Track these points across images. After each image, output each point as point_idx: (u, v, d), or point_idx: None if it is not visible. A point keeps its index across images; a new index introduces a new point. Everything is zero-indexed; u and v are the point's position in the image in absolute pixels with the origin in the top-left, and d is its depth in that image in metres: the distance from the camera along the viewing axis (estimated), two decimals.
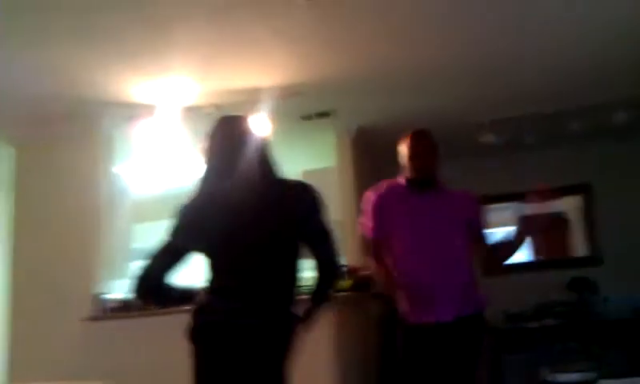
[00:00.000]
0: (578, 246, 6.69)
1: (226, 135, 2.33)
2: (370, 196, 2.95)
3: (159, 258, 2.28)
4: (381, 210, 2.89)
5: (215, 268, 2.23)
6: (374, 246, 2.93)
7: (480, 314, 2.81)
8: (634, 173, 6.30)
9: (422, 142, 2.89)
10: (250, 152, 2.24)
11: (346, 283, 4.23)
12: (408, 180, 2.90)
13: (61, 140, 4.64)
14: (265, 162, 2.27)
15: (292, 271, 2.18)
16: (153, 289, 2.31)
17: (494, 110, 5.31)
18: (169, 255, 2.28)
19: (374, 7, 3.44)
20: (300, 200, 2.21)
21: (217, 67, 4.02)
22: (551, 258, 6.64)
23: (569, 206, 6.86)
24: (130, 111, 4.52)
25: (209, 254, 2.24)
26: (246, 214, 2.11)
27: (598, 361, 4.70)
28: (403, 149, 2.91)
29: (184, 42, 3.61)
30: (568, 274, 5.99)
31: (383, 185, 2.97)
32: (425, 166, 2.85)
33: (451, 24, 3.71)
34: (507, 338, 5.81)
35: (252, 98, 4.32)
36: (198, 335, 2.18)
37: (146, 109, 4.45)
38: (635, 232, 6.11)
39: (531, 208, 2.82)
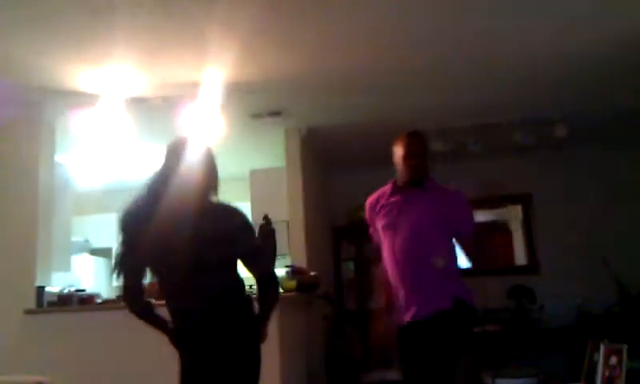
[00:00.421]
0: (518, 254, 6.89)
1: (171, 158, 2.38)
2: (366, 204, 3.10)
3: (129, 278, 2.43)
4: (372, 216, 3.03)
5: (165, 289, 2.40)
6: (377, 251, 3.04)
7: (458, 308, 2.80)
8: (571, 184, 6.54)
9: (417, 142, 2.98)
10: (190, 177, 2.32)
11: (290, 284, 4.23)
12: (394, 182, 3.01)
13: (1, 127, 4.47)
14: (203, 187, 2.35)
15: (233, 284, 2.35)
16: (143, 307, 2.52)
17: (441, 118, 5.41)
18: (131, 273, 2.41)
19: (326, 6, 3.44)
20: (229, 223, 2.32)
21: (162, 58, 3.93)
22: (493, 266, 6.80)
23: (509, 215, 7.07)
24: (74, 100, 4.39)
25: (156, 275, 2.41)
26: (181, 238, 2.21)
27: (537, 366, 4.85)
28: (398, 149, 2.98)
29: (128, 31, 3.51)
30: (509, 282, 6.15)
31: (377, 191, 3.09)
32: (418, 165, 2.94)
33: (401, 27, 3.74)
34: None
35: (199, 92, 4.25)
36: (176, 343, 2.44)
37: (90, 98, 4.33)
38: (570, 241, 6.34)
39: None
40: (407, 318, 2.81)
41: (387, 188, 3.04)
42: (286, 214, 5.31)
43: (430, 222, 2.86)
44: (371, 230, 3.09)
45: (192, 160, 2.34)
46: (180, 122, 4.63)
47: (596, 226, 6.35)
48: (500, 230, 7.18)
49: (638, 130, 6.03)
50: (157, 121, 4.91)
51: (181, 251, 2.19)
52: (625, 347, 3.65)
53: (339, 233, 6.70)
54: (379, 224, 2.98)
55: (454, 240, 2.95)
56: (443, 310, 2.75)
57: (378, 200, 3.03)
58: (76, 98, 4.37)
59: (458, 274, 2.94)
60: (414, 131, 3.05)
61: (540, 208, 6.66)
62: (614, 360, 3.67)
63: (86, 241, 6.61)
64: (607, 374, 3.69)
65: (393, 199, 2.97)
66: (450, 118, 5.40)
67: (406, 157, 2.93)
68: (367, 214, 3.08)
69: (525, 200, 6.78)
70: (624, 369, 3.59)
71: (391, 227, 2.91)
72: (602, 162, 6.48)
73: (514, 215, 6.98)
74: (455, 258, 2.95)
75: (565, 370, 4.68)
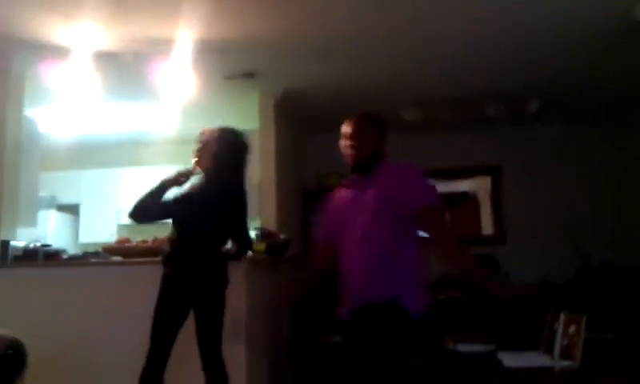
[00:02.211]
0: (485, 225, 7.02)
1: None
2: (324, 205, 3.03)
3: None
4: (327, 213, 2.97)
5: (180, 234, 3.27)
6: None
7: (396, 302, 2.61)
8: (540, 158, 6.66)
9: (355, 124, 2.83)
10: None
11: (260, 247, 4.24)
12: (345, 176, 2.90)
13: None
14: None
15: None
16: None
17: (415, 87, 5.42)
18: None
19: None
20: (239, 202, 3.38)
21: (135, 13, 3.83)
22: (459, 235, 6.91)
23: (478, 186, 7.17)
24: (44, 52, 4.28)
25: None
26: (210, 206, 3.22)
27: (497, 334, 4.96)
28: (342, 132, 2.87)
29: None
30: (475, 251, 6.25)
31: (334, 192, 3.01)
32: (353, 152, 2.78)
33: None
34: None
35: (171, 49, 4.18)
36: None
37: (61, 51, 4.22)
38: (537, 214, 6.50)
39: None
40: (345, 309, 2.75)
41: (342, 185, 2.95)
42: (257, 177, 5.30)
43: (376, 210, 2.66)
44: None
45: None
46: (151, 79, 4.56)
47: (562, 199, 6.49)
48: (468, 200, 7.29)
49: (608, 107, 6.15)
50: (128, 78, 4.83)
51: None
52: (584, 317, 3.76)
53: (309, 196, 6.71)
54: (330, 222, 2.92)
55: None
56: (384, 303, 2.59)
57: (331, 198, 2.96)
58: (47, 51, 4.26)
59: (413, 270, 2.72)
60: (363, 113, 2.88)
61: (509, 180, 6.77)
62: (573, 329, 3.78)
63: (53, 197, 6.52)
64: (566, 342, 3.81)
65: (342, 194, 2.88)
66: (425, 86, 5.40)
67: (343, 140, 2.82)
68: (326, 214, 2.99)
69: (494, 172, 6.88)
70: (582, 338, 3.71)
71: (340, 224, 2.80)
72: (571, 138, 6.60)
73: (482, 186, 7.08)
74: (411, 248, 2.73)
75: (525, 337, 4.81)
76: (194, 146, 3.42)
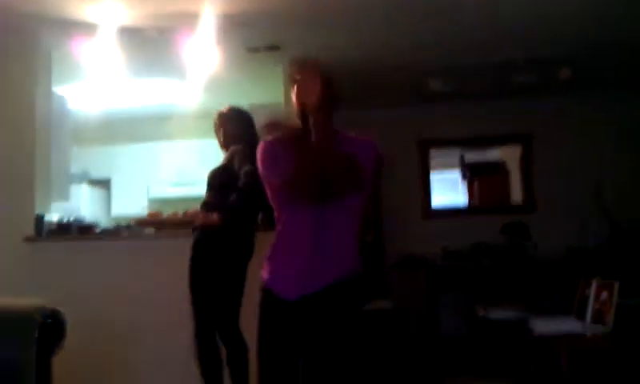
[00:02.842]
0: (515, 193, 6.95)
1: None
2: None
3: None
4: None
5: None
6: None
7: (346, 282, 2.14)
8: (572, 126, 6.55)
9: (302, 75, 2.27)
10: None
11: None
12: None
13: None
14: None
15: None
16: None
17: (443, 57, 5.33)
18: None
19: None
20: None
21: None
22: (488, 203, 6.88)
23: (508, 155, 7.09)
24: (71, 29, 4.31)
25: None
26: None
27: (529, 300, 4.94)
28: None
29: None
30: (504, 220, 6.22)
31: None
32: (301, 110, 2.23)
33: None
34: (444, 275, 6.04)
35: (195, 23, 4.17)
36: None
37: (88, 28, 4.25)
38: (567, 183, 6.40)
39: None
40: (299, 291, 2.10)
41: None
42: None
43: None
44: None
45: None
46: (176, 54, 4.58)
47: (593, 167, 6.38)
48: (498, 169, 7.21)
49: (631, 73, 6.00)
50: (153, 53, 4.85)
51: None
52: (616, 284, 3.72)
53: None
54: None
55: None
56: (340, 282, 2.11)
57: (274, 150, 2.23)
58: (73, 28, 4.29)
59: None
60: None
61: (539, 149, 6.67)
62: (604, 295, 3.75)
63: (85, 171, 6.63)
64: (597, 307, 3.78)
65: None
66: (452, 56, 5.31)
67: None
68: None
69: (524, 140, 6.77)
70: (614, 303, 3.68)
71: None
72: (603, 106, 6.45)
73: (512, 155, 7.00)
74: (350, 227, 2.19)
75: (556, 304, 4.78)
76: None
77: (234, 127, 3.56)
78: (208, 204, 3.45)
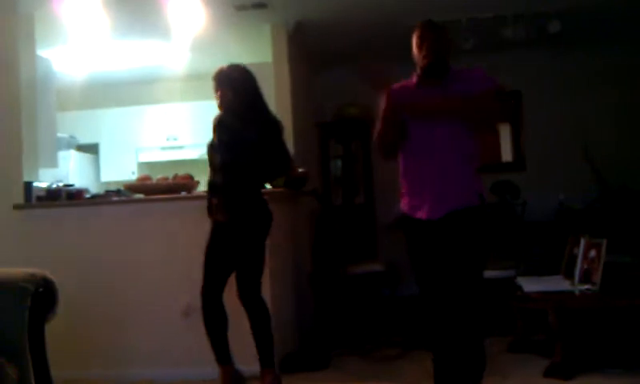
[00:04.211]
0: (505, 151, 6.94)
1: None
2: (383, 97, 2.78)
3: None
4: (396, 103, 2.74)
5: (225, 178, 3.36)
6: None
7: (475, 207, 2.72)
8: (562, 83, 6.52)
9: (430, 30, 2.80)
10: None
11: (278, 180, 4.25)
12: (418, 76, 2.83)
13: None
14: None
15: None
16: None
17: (432, 12, 5.25)
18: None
19: None
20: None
21: None
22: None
23: None
24: None
25: None
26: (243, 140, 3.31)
27: (518, 259, 4.99)
28: (413, 40, 2.83)
29: None
30: (493, 178, 6.24)
31: (396, 85, 2.81)
32: (431, 53, 2.75)
33: None
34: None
35: None
36: None
37: None
38: (557, 140, 6.41)
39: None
40: (434, 214, 2.67)
41: (412, 81, 2.85)
42: (274, 111, 5.25)
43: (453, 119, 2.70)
44: (386, 115, 2.75)
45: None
46: (161, 13, 4.49)
47: (583, 124, 6.38)
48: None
49: (632, 27, 5.96)
50: (138, 12, 4.75)
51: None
52: (604, 241, 3.76)
53: (326, 129, 6.67)
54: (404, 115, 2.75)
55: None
56: (473, 207, 2.69)
57: (398, 93, 2.76)
58: None
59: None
60: (428, 20, 2.86)
61: (528, 106, 6.65)
62: (593, 253, 3.79)
63: (72, 137, 6.55)
64: (586, 266, 3.83)
65: (421, 91, 2.77)
66: (441, 11, 5.24)
67: (418, 46, 2.79)
68: (389, 101, 2.73)
69: (514, 97, 6.75)
70: (602, 262, 3.72)
71: (420, 120, 2.72)
72: (592, 62, 6.43)
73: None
74: (477, 153, 2.82)
75: (545, 262, 4.84)
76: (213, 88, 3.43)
77: (227, 89, 3.38)
78: (210, 184, 3.41)
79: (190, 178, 4.25)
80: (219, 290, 3.35)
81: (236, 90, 3.35)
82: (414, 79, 2.85)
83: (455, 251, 2.66)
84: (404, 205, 2.82)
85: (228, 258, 3.34)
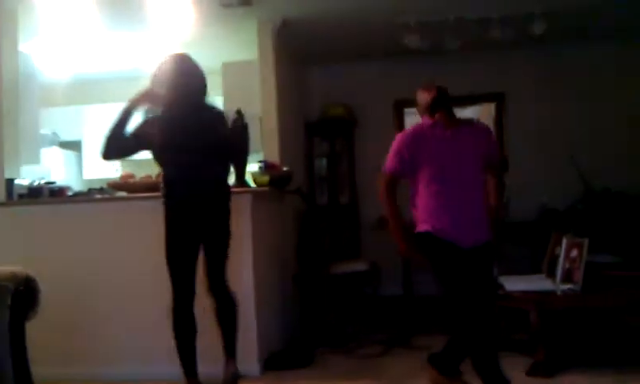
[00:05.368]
0: None
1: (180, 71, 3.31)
2: (404, 137, 3.24)
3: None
4: (412, 145, 3.15)
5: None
6: (392, 182, 3.20)
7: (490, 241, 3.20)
8: (545, 83, 6.56)
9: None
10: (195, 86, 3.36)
11: (263, 179, 4.25)
12: (432, 121, 3.20)
13: None
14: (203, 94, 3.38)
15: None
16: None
17: (419, 12, 5.28)
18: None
19: None
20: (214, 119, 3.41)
21: None
22: None
23: (482, 113, 7.11)
24: None
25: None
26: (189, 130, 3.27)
27: (499, 259, 5.02)
28: (425, 95, 3.22)
29: None
30: None
31: (410, 127, 3.31)
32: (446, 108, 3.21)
33: None
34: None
35: None
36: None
37: None
38: (540, 140, 6.46)
39: None
40: (468, 242, 3.08)
41: (426, 124, 3.22)
42: (259, 109, 5.25)
43: (476, 155, 3.15)
44: (396, 159, 3.17)
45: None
46: (147, 9, 4.46)
47: (566, 125, 6.44)
48: None
49: (616, 29, 6.02)
50: (124, 9, 4.72)
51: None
52: (586, 241, 3.80)
53: (312, 128, 6.67)
54: (424, 154, 3.12)
55: None
56: (489, 240, 3.18)
57: (419, 132, 3.20)
58: None
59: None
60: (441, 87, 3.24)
61: (512, 107, 6.69)
62: (574, 253, 3.82)
63: (54, 133, 6.49)
64: (567, 266, 3.86)
65: (439, 132, 3.15)
66: (428, 11, 5.26)
67: (435, 104, 3.18)
68: (404, 145, 3.16)
69: (497, 98, 6.79)
70: (584, 261, 3.76)
71: (445, 157, 3.10)
72: (575, 64, 6.48)
73: (486, 114, 7.02)
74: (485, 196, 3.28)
75: (527, 262, 4.87)
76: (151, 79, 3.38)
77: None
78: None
79: None
80: (190, 293, 3.30)
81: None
82: (428, 123, 3.24)
83: (479, 267, 3.14)
84: (425, 225, 3.17)
85: (193, 239, 3.28)
